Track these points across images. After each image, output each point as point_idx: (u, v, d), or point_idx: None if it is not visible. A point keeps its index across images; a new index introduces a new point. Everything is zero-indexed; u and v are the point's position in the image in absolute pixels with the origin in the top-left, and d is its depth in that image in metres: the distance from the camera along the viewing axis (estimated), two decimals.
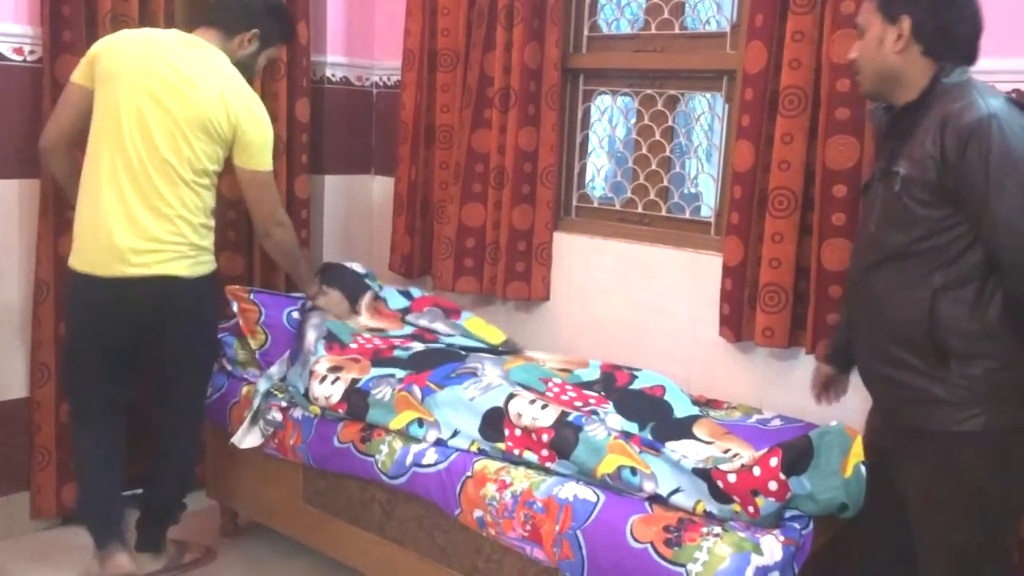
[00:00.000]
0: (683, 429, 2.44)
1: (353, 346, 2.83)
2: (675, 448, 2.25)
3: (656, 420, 2.47)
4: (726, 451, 2.30)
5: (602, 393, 2.60)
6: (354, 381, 2.61)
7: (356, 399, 2.57)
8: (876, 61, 1.88)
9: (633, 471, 2.14)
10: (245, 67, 2.71)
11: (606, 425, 2.30)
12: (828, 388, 2.27)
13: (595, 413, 2.41)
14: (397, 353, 2.80)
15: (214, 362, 2.88)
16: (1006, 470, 1.80)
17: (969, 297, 1.76)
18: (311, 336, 2.79)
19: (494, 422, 2.39)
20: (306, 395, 2.65)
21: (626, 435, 2.28)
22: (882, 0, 1.86)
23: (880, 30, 1.86)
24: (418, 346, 2.87)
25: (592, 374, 2.77)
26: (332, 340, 2.80)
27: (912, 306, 1.80)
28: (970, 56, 1.87)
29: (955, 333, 1.77)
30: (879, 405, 2.01)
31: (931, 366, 1.79)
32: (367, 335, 2.92)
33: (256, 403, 2.75)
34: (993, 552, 1.86)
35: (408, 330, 3.04)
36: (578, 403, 2.49)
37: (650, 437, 2.37)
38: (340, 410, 2.59)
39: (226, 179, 2.81)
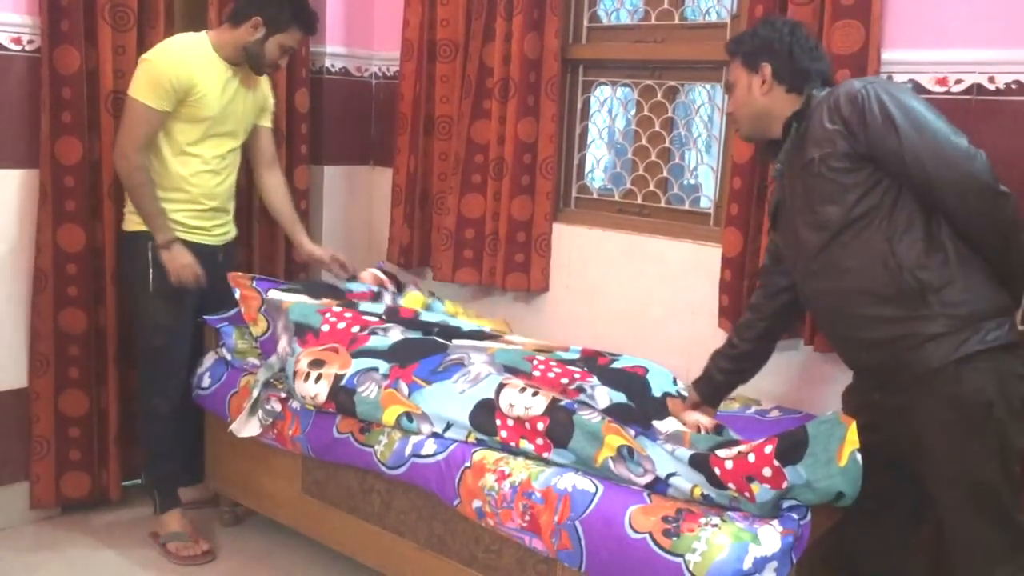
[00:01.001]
0: (660, 408, 2.47)
1: (325, 328, 2.73)
2: (660, 428, 2.31)
3: (637, 398, 2.47)
4: (698, 429, 2.35)
5: (585, 368, 2.60)
6: (338, 378, 2.58)
7: (343, 397, 2.55)
8: (749, 106, 2.14)
9: (631, 451, 2.15)
10: (254, 55, 2.79)
11: (597, 408, 2.32)
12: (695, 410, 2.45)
13: (582, 389, 2.42)
14: (375, 342, 2.72)
15: (143, 325, 2.92)
16: (1006, 387, 1.90)
17: (920, 236, 1.92)
18: (283, 342, 2.75)
19: (486, 414, 2.39)
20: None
21: (619, 421, 2.29)
22: (744, 56, 2.14)
23: (747, 80, 2.14)
24: (396, 332, 2.79)
25: (572, 356, 2.76)
26: (304, 332, 2.73)
27: (875, 261, 1.94)
28: (828, 84, 2.10)
29: (922, 268, 1.90)
30: (874, 373, 2.07)
31: (912, 308, 1.91)
32: (336, 308, 2.83)
33: (256, 392, 2.75)
34: (1009, 478, 1.93)
35: (381, 307, 2.98)
36: (564, 380, 2.49)
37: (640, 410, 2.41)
38: (330, 408, 2.59)
39: None
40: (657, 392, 2.55)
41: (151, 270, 2.81)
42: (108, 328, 3.05)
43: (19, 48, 2.83)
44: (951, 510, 1.99)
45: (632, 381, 2.55)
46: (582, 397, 2.38)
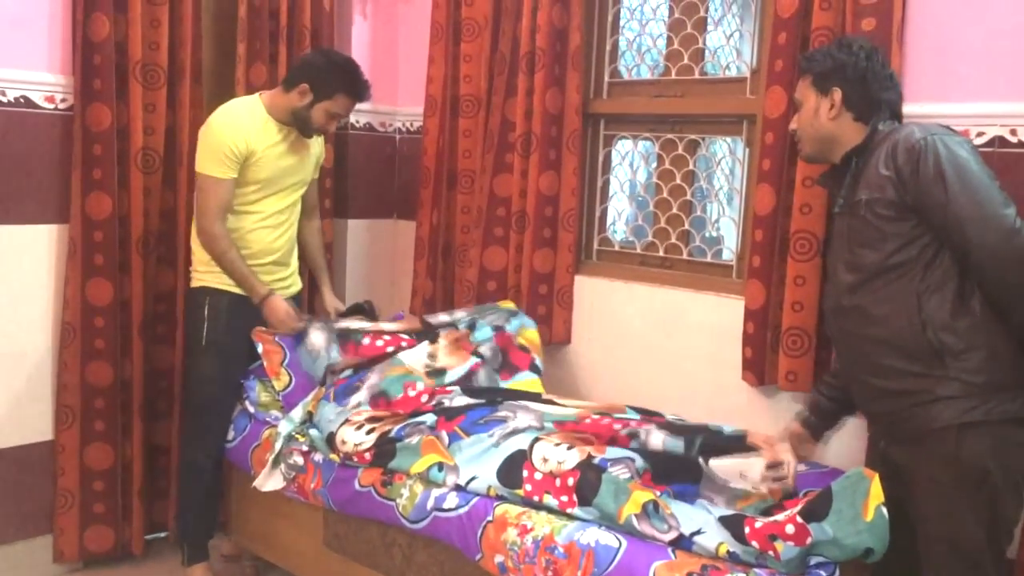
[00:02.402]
0: (737, 440, 2.39)
1: (398, 395, 2.73)
2: (726, 464, 2.25)
3: (704, 435, 2.41)
4: (775, 463, 2.25)
5: (641, 420, 2.56)
6: (387, 431, 2.60)
7: (386, 446, 2.56)
8: (814, 128, 2.12)
9: (656, 507, 2.13)
10: (301, 120, 2.89)
11: (634, 467, 2.29)
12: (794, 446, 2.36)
13: (635, 435, 2.40)
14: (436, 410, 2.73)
15: (193, 378, 2.98)
16: (1006, 458, 1.90)
17: (951, 297, 1.90)
18: (361, 396, 2.75)
19: (514, 467, 2.37)
20: (329, 441, 2.65)
21: (660, 477, 2.26)
22: (816, 77, 2.11)
23: (815, 101, 2.11)
24: (460, 399, 2.76)
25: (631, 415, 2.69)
26: (379, 396, 2.75)
27: (901, 314, 1.93)
28: (894, 115, 2.10)
29: (946, 330, 1.89)
30: (882, 422, 2.08)
31: (928, 367, 1.91)
32: (420, 385, 2.80)
33: (278, 446, 2.75)
34: (996, 550, 1.93)
35: (464, 370, 2.93)
36: (616, 426, 2.46)
37: (696, 454, 2.33)
38: (366, 455, 2.58)
39: None
40: (729, 431, 2.48)
41: (205, 324, 2.88)
42: (134, 381, 3.07)
43: (52, 107, 2.90)
44: (933, 569, 1.98)
45: (697, 426, 2.50)
46: (629, 449, 2.35)
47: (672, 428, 2.46)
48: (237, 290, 2.90)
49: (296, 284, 3.15)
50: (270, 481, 2.76)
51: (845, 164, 2.08)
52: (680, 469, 2.31)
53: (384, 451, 2.56)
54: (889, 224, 1.94)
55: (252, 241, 2.93)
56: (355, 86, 2.92)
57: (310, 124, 2.89)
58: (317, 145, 3.09)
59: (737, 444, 2.39)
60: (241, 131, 2.81)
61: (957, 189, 1.86)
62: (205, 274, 2.91)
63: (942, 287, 1.91)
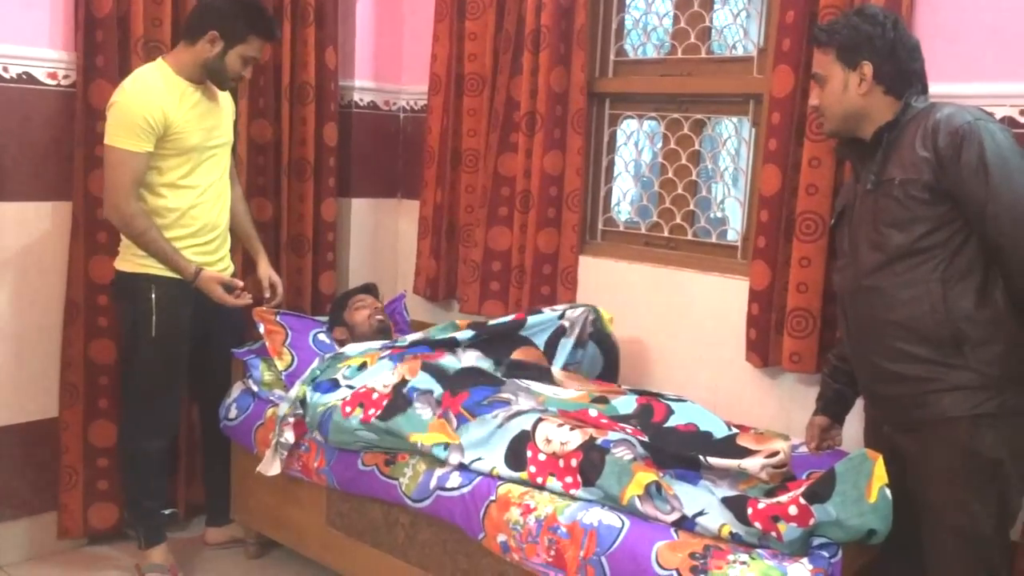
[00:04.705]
0: (728, 445, 2.37)
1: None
2: (724, 460, 2.21)
3: (697, 448, 2.36)
4: (772, 454, 2.21)
5: (638, 426, 2.51)
6: (404, 382, 2.58)
7: (400, 401, 2.54)
8: (843, 104, 2.02)
9: (658, 488, 2.13)
10: (215, 70, 2.73)
11: (636, 450, 2.28)
12: (824, 439, 2.35)
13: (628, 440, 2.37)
14: (447, 361, 2.73)
15: (142, 368, 2.81)
16: (1018, 450, 1.89)
17: (975, 286, 1.87)
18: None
19: (518, 448, 2.37)
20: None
21: (658, 462, 2.25)
22: (841, 51, 2.00)
23: (843, 77, 2.01)
24: (470, 356, 2.78)
25: (628, 405, 2.62)
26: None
27: (923, 299, 1.90)
28: (925, 87, 2.03)
29: (968, 319, 1.87)
30: (889, 406, 2.05)
31: (946, 355, 1.89)
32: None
33: (278, 430, 2.75)
34: (1003, 538, 1.94)
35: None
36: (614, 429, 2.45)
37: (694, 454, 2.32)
38: (384, 401, 2.55)
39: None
40: (719, 435, 2.45)
41: (154, 316, 2.74)
42: None
43: (55, 83, 2.89)
44: (941, 559, 1.97)
45: (690, 438, 2.46)
46: (625, 436, 2.34)
47: (664, 442, 2.39)
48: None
49: (232, 267, 3.00)
50: (274, 465, 2.76)
51: (874, 139, 2.00)
52: (679, 459, 2.29)
53: (396, 404, 2.53)
54: (921, 207, 1.88)
55: (195, 218, 2.77)
56: (265, 24, 2.77)
57: (225, 73, 2.74)
58: (228, 102, 2.93)
59: (729, 449, 2.35)
60: (157, 100, 2.63)
61: (999, 182, 1.80)
62: (149, 258, 2.74)
63: (967, 276, 1.87)
